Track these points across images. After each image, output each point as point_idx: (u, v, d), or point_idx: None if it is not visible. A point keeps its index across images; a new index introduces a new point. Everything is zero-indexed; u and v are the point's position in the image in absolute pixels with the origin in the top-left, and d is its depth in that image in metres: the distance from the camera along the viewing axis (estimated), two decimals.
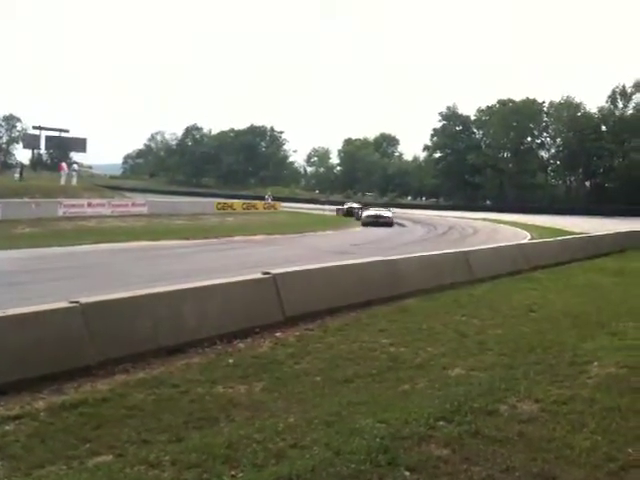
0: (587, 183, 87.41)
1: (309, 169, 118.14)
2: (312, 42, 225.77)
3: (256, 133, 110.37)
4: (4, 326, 6.34)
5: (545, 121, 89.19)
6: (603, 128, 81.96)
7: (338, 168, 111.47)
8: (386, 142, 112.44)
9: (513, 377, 6.76)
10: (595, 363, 7.37)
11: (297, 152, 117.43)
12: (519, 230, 36.33)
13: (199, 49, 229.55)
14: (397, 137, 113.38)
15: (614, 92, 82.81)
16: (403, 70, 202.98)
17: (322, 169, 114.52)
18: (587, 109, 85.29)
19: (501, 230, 37.35)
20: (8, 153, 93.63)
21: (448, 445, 4.79)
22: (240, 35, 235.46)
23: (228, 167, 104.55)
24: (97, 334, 7.04)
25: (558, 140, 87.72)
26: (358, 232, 34.17)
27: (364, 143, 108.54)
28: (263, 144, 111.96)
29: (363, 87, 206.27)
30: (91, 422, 5.38)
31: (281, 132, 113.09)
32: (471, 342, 8.67)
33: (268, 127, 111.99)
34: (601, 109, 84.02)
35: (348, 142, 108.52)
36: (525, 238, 29.68)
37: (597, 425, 5.26)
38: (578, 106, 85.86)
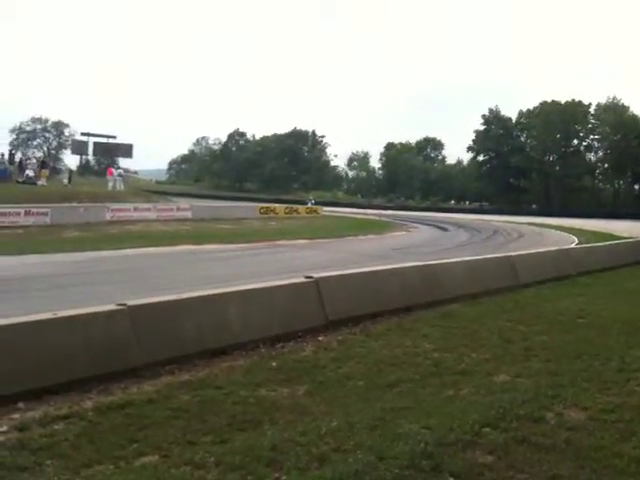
0: (636, 186, 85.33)
1: (350, 173, 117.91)
2: (348, 47, 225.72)
3: (298, 138, 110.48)
4: (54, 328, 6.51)
5: (592, 123, 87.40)
6: None
7: (380, 172, 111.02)
8: (430, 145, 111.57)
9: (560, 384, 6.66)
10: None
11: (338, 156, 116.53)
12: (566, 234, 35.64)
13: (239, 54, 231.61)
14: (442, 141, 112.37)
15: None
16: (443, 70, 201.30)
17: (363, 173, 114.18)
18: (632, 111, 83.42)
19: (547, 234, 36.68)
20: (57, 159, 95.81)
21: (493, 452, 4.74)
22: (278, 40, 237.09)
23: (271, 172, 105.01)
24: (143, 336, 7.16)
25: (605, 143, 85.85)
26: (400, 236, 33.95)
27: (406, 147, 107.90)
28: (305, 148, 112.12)
29: (402, 89, 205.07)
30: (137, 423, 5.47)
31: (323, 136, 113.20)
32: (516, 348, 8.56)
33: (310, 131, 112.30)
34: None
35: (390, 146, 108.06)
36: (572, 243, 29.11)
37: None
38: (625, 108, 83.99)
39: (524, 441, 4.95)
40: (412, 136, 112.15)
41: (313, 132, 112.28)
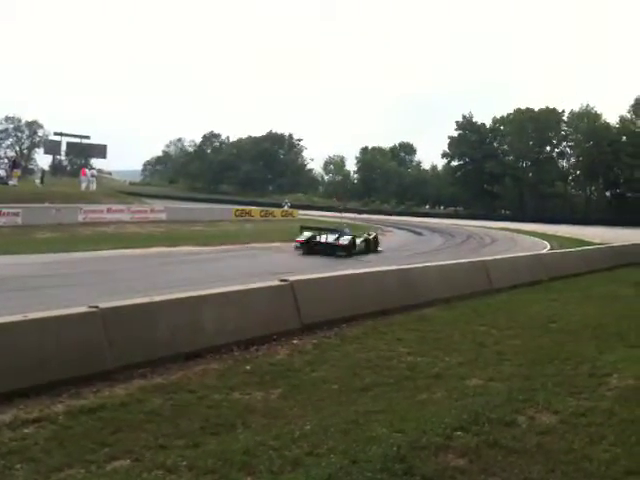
0: (607, 193, 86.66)
1: (326, 177, 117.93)
2: (326, 51, 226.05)
3: (274, 140, 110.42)
4: (24, 330, 6.41)
5: (564, 130, 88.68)
6: (623, 138, 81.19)
7: (355, 176, 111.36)
8: (404, 151, 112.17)
9: (531, 388, 6.72)
10: (614, 375, 7.32)
11: (314, 160, 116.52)
12: (538, 240, 36.07)
13: (215, 56, 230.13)
14: (414, 145, 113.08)
15: (637, 102, 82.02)
16: (418, 77, 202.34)
17: (339, 177, 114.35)
18: (605, 119, 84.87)
19: (520, 240, 37.07)
20: (29, 158, 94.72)
21: (465, 455, 4.77)
22: (254, 43, 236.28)
23: (246, 174, 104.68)
24: (116, 339, 7.09)
25: (578, 150, 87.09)
26: None
27: (381, 152, 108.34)
28: (281, 151, 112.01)
29: (377, 94, 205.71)
30: (109, 427, 5.41)
31: (299, 139, 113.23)
32: (489, 352, 8.63)
33: (286, 134, 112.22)
34: (622, 119, 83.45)
35: (365, 151, 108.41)
36: (545, 248, 29.45)
37: (616, 437, 5.21)
38: (597, 116, 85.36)
39: (496, 444, 4.98)
40: (390, 141, 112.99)
41: (289, 135, 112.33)
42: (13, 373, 6.13)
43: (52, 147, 74.33)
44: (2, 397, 5.90)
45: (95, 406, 5.90)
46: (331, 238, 23.50)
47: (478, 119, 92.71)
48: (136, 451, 4.90)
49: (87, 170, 45.71)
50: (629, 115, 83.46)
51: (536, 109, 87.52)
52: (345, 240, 23.33)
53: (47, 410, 5.78)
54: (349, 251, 22.94)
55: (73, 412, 5.74)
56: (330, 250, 22.69)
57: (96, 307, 7.09)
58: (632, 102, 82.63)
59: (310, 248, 23.31)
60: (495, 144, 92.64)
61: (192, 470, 4.49)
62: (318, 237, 23.75)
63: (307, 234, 23.94)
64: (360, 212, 65.89)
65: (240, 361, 7.75)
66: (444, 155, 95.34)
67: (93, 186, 42.05)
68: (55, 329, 6.65)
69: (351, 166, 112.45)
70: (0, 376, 6.02)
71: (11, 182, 37.17)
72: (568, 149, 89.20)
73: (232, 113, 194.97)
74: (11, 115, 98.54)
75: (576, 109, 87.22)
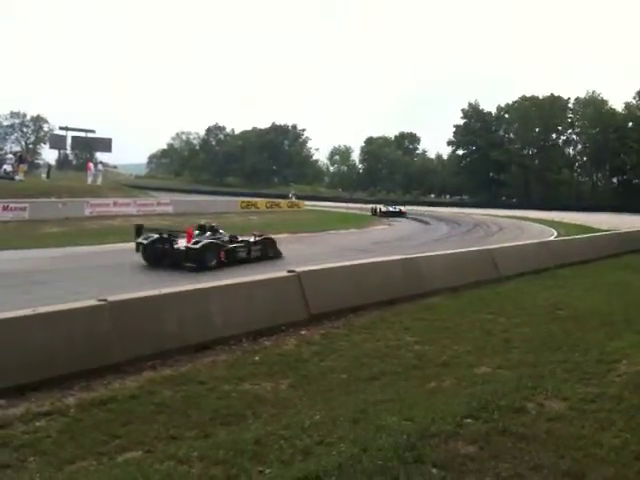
0: (614, 180, 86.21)
1: (332, 167, 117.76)
2: (328, 41, 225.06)
3: (279, 132, 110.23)
4: (34, 324, 6.46)
5: (570, 117, 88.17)
6: (630, 125, 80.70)
7: (360, 166, 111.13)
8: (407, 140, 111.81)
9: (540, 375, 6.72)
10: (623, 361, 7.30)
11: (319, 150, 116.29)
12: (545, 227, 35.96)
13: (218, 49, 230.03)
14: (418, 135, 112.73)
15: None
16: (421, 67, 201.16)
17: (344, 167, 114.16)
18: (611, 105, 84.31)
19: (527, 227, 36.97)
20: (35, 153, 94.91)
21: (475, 442, 4.77)
22: (261, 35, 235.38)
23: (252, 166, 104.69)
24: (125, 332, 7.13)
25: (584, 137, 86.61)
26: (380, 230, 34.04)
27: (386, 141, 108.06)
28: (286, 142, 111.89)
29: (385, 85, 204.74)
30: (120, 418, 5.46)
31: (303, 130, 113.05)
32: (497, 340, 8.63)
33: (290, 125, 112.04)
34: (627, 105, 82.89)
35: (370, 141, 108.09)
36: (551, 235, 29.37)
37: (625, 423, 5.21)
38: (603, 102, 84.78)
39: (505, 431, 4.98)
40: (393, 130, 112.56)
41: (293, 126, 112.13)
42: (24, 367, 6.18)
43: (57, 141, 74.28)
44: (14, 391, 5.95)
45: (106, 398, 5.95)
46: (392, 208, 48.94)
47: (483, 107, 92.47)
48: (147, 442, 4.94)
49: (92, 164, 45.68)
50: (635, 101, 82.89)
51: (540, 97, 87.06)
52: (403, 209, 49.09)
53: (58, 403, 5.83)
54: (403, 214, 47.02)
55: (84, 405, 5.78)
56: (396, 215, 46.50)
57: (105, 300, 7.13)
58: (638, 88, 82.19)
59: (386, 215, 46.30)
60: (501, 132, 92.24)
61: (203, 460, 4.52)
62: (387, 208, 48.67)
63: (384, 208, 48.59)
64: (367, 202, 65.84)
65: (249, 352, 7.78)
66: (450, 143, 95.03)
67: (99, 180, 42.07)
68: (64, 323, 6.70)
69: (355, 157, 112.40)
70: (11, 370, 6.08)
71: (17, 177, 37.16)
72: (574, 136, 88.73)
73: (236, 105, 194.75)
74: (16, 110, 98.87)
75: (582, 96, 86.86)
